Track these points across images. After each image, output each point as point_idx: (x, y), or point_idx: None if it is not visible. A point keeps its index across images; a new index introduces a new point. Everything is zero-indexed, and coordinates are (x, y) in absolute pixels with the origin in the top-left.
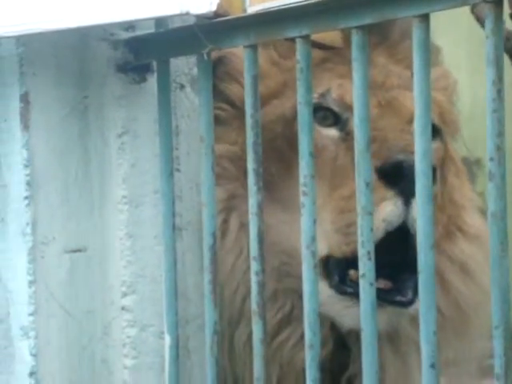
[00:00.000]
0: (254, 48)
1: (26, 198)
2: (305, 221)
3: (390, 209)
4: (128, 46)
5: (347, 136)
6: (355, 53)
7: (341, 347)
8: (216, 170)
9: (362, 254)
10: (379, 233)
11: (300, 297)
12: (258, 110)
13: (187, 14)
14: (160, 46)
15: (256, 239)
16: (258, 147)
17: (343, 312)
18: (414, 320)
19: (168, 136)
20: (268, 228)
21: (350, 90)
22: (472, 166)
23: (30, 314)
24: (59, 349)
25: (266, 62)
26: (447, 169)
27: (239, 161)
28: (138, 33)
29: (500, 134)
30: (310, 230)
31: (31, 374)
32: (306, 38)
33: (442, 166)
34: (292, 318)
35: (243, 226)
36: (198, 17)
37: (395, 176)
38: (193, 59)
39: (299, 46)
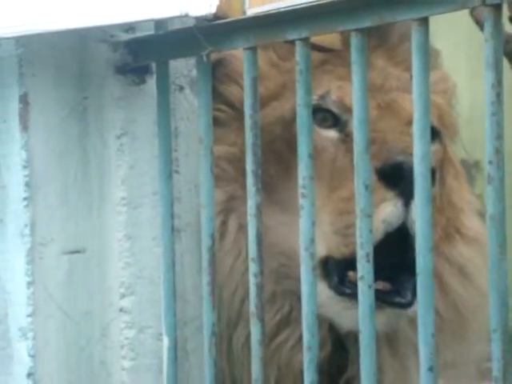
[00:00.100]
0: (253, 50)
1: (25, 199)
2: (303, 223)
3: (389, 210)
4: (127, 47)
5: (346, 138)
6: (354, 55)
7: (339, 349)
8: (215, 171)
9: (360, 255)
10: (379, 234)
11: (298, 299)
12: (257, 110)
13: (187, 15)
14: (159, 47)
15: (255, 241)
16: (257, 149)
17: (342, 313)
18: (413, 322)
19: (167, 138)
20: (267, 230)
21: (350, 92)
22: (471, 168)
23: (29, 315)
24: (57, 350)
25: (265, 64)
26: (446, 171)
27: (238, 162)
28: (138, 34)
29: (499, 137)
30: (309, 232)
31: (29, 374)
32: (305, 40)
33: (441, 168)
34: (290, 319)
35: (242, 228)
36: (198, 19)
37: (395, 177)
38: (192, 61)
39: (299, 48)
